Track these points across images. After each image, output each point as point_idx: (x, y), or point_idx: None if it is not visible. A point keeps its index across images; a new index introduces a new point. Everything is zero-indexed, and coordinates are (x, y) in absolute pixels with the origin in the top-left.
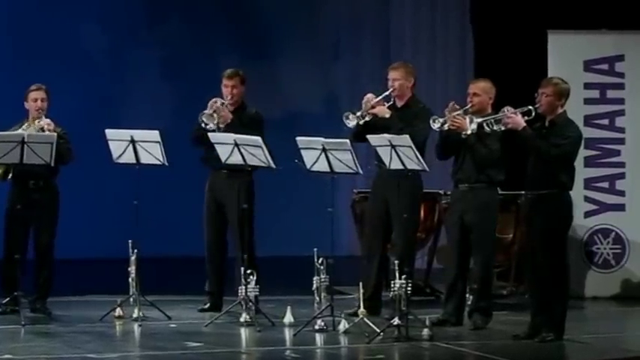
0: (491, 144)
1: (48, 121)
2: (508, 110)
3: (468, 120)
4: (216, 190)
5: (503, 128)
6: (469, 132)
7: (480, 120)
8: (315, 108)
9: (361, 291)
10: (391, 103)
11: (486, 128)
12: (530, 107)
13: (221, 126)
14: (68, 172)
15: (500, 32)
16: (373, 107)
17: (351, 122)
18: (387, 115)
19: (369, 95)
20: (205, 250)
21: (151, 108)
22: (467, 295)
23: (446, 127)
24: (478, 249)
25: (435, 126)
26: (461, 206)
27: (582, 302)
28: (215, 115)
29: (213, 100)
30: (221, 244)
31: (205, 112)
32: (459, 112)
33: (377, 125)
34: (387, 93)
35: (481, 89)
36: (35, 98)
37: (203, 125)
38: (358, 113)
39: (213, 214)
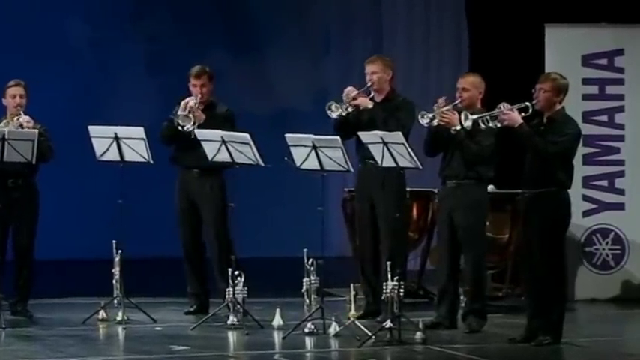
0: (482, 140)
1: (27, 118)
2: (504, 107)
3: (462, 116)
4: (188, 189)
5: (499, 125)
6: (459, 127)
7: (475, 117)
8: (305, 104)
9: (352, 293)
10: (371, 97)
11: (482, 125)
12: (528, 103)
13: (195, 126)
14: (50, 170)
15: (496, 26)
16: (355, 99)
17: (334, 113)
18: (370, 106)
19: (350, 88)
20: (182, 251)
21: (136, 104)
22: (461, 297)
23: (435, 122)
24: (468, 248)
25: (424, 121)
26: (450, 204)
27: (580, 305)
28: (191, 115)
29: (186, 100)
30: (198, 244)
31: (180, 113)
32: (448, 108)
33: (360, 118)
34: (365, 87)
35: (470, 84)
36: (14, 94)
37: (180, 128)
38: (341, 104)
39: (187, 213)
